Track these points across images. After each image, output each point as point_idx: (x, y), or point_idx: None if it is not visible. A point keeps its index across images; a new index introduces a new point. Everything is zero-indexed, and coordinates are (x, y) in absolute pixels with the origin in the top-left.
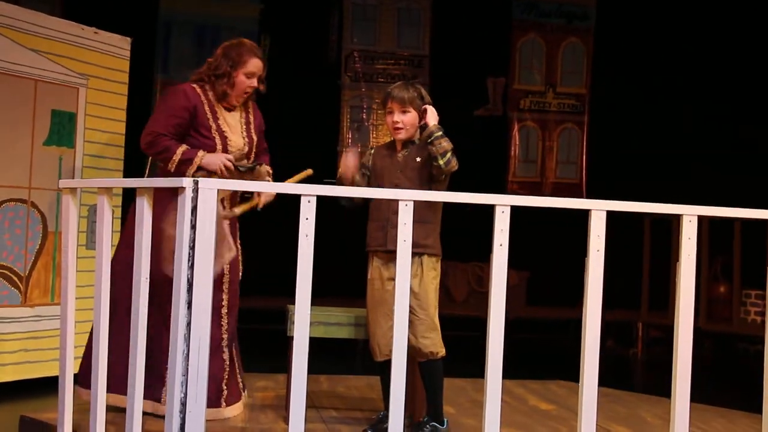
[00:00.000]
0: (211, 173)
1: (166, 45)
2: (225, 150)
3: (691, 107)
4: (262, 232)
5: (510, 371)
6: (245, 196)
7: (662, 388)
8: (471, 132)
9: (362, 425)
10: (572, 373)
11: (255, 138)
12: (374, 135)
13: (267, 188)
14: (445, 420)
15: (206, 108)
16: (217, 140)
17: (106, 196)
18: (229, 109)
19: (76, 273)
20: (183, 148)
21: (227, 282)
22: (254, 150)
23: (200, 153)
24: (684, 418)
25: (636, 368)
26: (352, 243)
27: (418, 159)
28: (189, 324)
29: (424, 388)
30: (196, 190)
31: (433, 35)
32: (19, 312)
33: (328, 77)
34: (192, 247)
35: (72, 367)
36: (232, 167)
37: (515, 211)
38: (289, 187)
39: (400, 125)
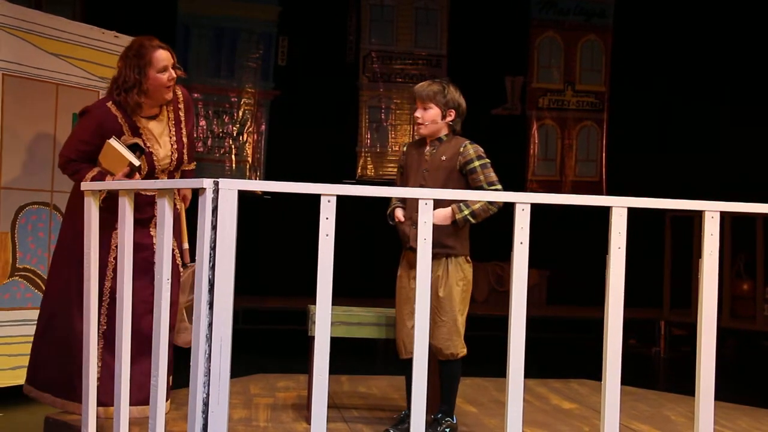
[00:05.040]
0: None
1: (186, 48)
2: (152, 166)
3: (712, 103)
4: (282, 233)
5: (532, 370)
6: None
7: (686, 386)
8: (490, 131)
9: (384, 425)
10: (594, 372)
11: (186, 141)
12: (393, 135)
13: (286, 188)
14: (455, 416)
15: (124, 126)
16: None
17: (127, 198)
18: (154, 116)
19: (98, 275)
20: (93, 172)
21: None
22: (186, 152)
23: (108, 178)
24: (708, 417)
25: (659, 367)
26: (375, 243)
27: (444, 158)
28: (210, 325)
29: (441, 384)
30: (216, 191)
31: (451, 35)
32: None
33: (347, 78)
34: (213, 248)
35: (95, 369)
36: (139, 175)
37: (535, 209)
38: (309, 187)
39: (420, 120)
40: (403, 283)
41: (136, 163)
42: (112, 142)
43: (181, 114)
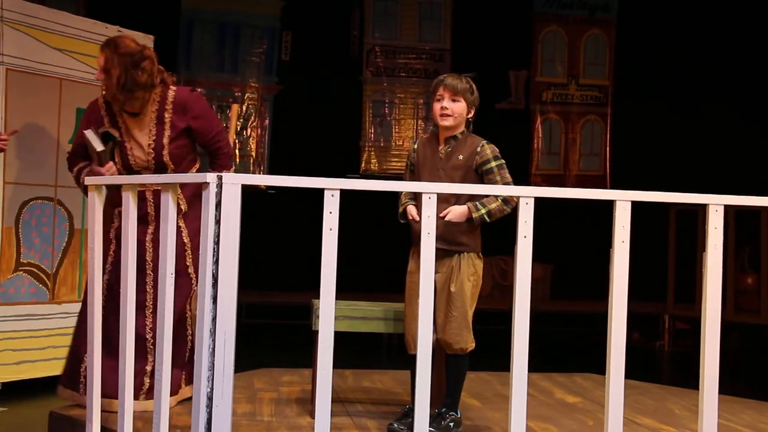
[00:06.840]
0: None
1: (189, 42)
2: (126, 161)
3: (715, 97)
4: (286, 228)
5: (536, 364)
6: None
7: (690, 380)
8: (493, 125)
9: (388, 419)
10: (598, 366)
11: (166, 143)
12: (396, 130)
13: (290, 183)
14: (459, 410)
15: (105, 118)
16: (116, 157)
17: (131, 193)
18: (137, 113)
19: (102, 270)
20: (77, 167)
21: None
22: (166, 154)
23: (84, 179)
24: (712, 410)
25: (663, 361)
26: (378, 238)
27: (461, 157)
28: (215, 319)
29: (447, 378)
30: (220, 185)
31: (454, 29)
32: (46, 309)
33: (350, 72)
34: (217, 242)
35: (100, 363)
36: (113, 164)
37: (539, 203)
38: (313, 181)
39: (448, 112)
40: (415, 279)
41: (98, 148)
42: (86, 131)
43: (167, 115)
